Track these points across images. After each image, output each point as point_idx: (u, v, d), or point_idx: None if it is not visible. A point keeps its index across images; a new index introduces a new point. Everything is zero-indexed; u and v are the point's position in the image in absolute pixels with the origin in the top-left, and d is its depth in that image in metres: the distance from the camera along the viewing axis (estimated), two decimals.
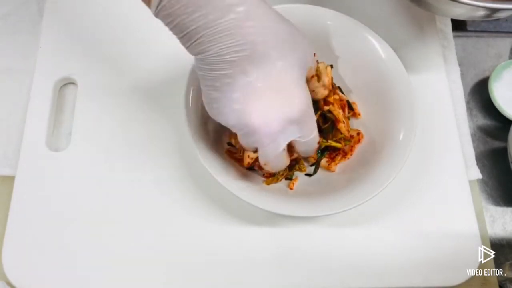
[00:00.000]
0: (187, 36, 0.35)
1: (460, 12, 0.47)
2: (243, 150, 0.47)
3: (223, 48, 0.34)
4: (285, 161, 0.42)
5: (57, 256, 0.46)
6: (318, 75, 0.44)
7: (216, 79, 0.36)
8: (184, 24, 0.34)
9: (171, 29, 0.35)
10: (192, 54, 0.36)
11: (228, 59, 0.34)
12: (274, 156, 0.40)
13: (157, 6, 0.34)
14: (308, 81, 0.43)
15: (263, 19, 0.35)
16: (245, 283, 0.46)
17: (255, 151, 0.41)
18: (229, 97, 0.36)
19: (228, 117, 0.37)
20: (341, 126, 0.48)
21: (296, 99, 0.37)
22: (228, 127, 0.39)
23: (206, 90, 0.37)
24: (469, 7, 0.43)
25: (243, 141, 0.40)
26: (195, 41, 0.34)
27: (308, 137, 0.40)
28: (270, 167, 0.42)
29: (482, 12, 0.45)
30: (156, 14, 0.35)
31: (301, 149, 0.42)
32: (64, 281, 0.45)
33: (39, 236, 0.46)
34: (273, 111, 0.37)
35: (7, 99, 0.53)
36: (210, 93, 0.37)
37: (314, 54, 0.41)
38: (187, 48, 0.36)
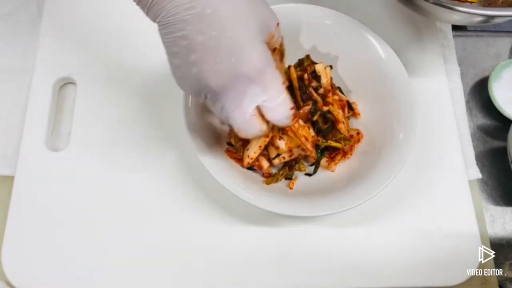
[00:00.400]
0: (142, 1, 0.35)
1: (458, 19, 0.48)
2: (242, 150, 0.47)
3: (175, 6, 0.34)
4: (258, 126, 0.40)
5: (56, 256, 0.46)
6: (281, 52, 0.42)
7: (174, 43, 0.35)
8: None
9: None
10: (153, 21, 0.36)
11: (181, 18, 0.34)
12: (243, 122, 0.39)
13: None
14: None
15: None
16: (245, 283, 0.46)
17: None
18: (187, 61, 0.35)
19: (190, 83, 0.37)
20: (341, 126, 0.48)
21: (252, 57, 0.36)
22: (194, 96, 0.38)
23: (169, 60, 0.37)
24: (466, 14, 0.44)
25: (214, 111, 0.39)
26: (151, 2, 0.34)
27: (275, 101, 0.38)
28: (243, 134, 0.40)
29: (479, 19, 0.45)
30: None
31: (272, 117, 0.39)
32: (63, 281, 0.45)
33: (39, 236, 0.46)
34: (229, 71, 0.35)
35: (7, 99, 0.53)
36: (172, 62, 0.37)
37: (278, 24, 0.40)
38: (147, 14, 0.36)
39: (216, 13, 0.34)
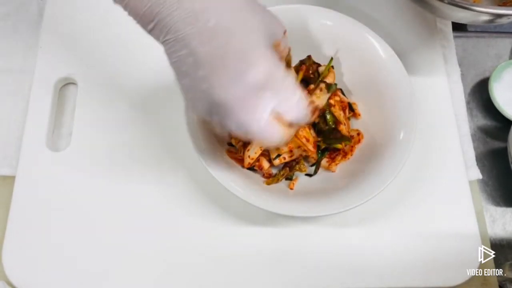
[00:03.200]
0: (144, 17, 0.34)
1: (463, 16, 0.47)
2: (243, 150, 0.47)
3: (176, 22, 0.33)
4: (278, 131, 0.38)
5: (57, 256, 0.46)
6: (287, 62, 0.42)
7: (181, 62, 0.35)
8: (137, 6, 0.34)
9: (130, 14, 0.35)
10: (158, 41, 0.35)
11: (184, 33, 0.33)
12: (259, 130, 0.37)
13: None
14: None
15: None
16: (245, 282, 0.46)
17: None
18: (196, 78, 0.35)
19: (201, 102, 0.36)
20: (342, 128, 0.48)
21: (259, 62, 0.35)
22: (207, 117, 0.37)
23: (179, 82, 0.36)
24: (473, 12, 0.44)
25: (230, 129, 0.37)
26: (152, 20, 0.34)
27: (291, 101, 0.37)
28: (266, 144, 0.39)
29: (485, 17, 0.45)
30: (115, 0, 0.35)
31: (291, 117, 0.38)
32: (64, 281, 0.45)
33: (39, 236, 0.46)
34: (237, 80, 0.34)
35: (7, 99, 0.53)
36: (182, 83, 0.36)
37: (285, 32, 0.39)
38: (150, 32, 0.35)
39: (220, 23, 0.34)
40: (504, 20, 0.47)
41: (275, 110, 0.36)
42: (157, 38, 0.35)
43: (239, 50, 0.34)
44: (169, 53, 0.35)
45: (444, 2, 0.45)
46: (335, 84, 0.49)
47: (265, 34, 0.36)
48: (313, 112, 0.40)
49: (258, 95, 0.35)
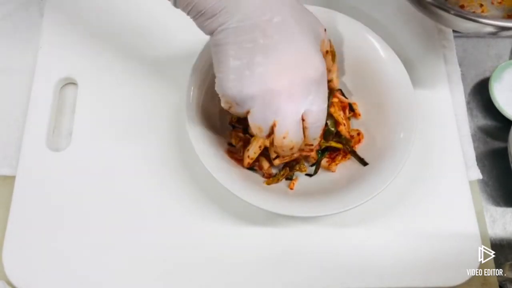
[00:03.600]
0: (208, 11, 0.37)
1: (468, 27, 0.47)
2: (243, 150, 0.47)
3: (248, 13, 0.36)
4: (301, 134, 0.41)
5: (57, 256, 0.46)
6: (332, 53, 0.46)
7: (237, 46, 0.37)
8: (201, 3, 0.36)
9: (189, 12, 0.38)
10: (210, 31, 0.38)
11: (253, 22, 0.37)
12: (294, 123, 0.40)
13: None
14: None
15: None
16: (245, 282, 0.46)
17: (268, 134, 0.41)
18: (251, 62, 0.37)
19: (250, 84, 0.38)
20: (342, 128, 0.48)
21: (315, 60, 0.39)
22: (247, 99, 0.38)
23: (224, 62, 0.38)
24: (479, 24, 0.44)
25: (260, 115, 0.39)
26: (217, 14, 0.37)
27: (321, 107, 0.40)
28: (289, 139, 0.41)
29: (489, 29, 0.45)
30: (175, 4, 0.38)
31: (311, 121, 0.41)
32: (64, 281, 0.45)
33: (39, 236, 0.46)
34: (296, 71, 0.38)
35: (7, 99, 0.53)
36: (229, 63, 0.38)
37: (325, 30, 0.43)
38: (205, 26, 0.38)
39: (285, 21, 0.38)
40: (508, 33, 0.47)
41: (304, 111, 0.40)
42: (218, 24, 0.37)
43: (300, 48, 0.38)
44: (222, 40, 0.38)
45: (450, 13, 0.44)
46: (339, 89, 0.49)
47: (315, 37, 0.41)
48: (321, 134, 0.43)
49: (308, 89, 0.39)
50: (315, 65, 0.39)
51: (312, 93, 0.39)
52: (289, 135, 0.41)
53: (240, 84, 0.38)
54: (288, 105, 0.39)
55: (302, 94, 0.39)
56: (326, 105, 0.41)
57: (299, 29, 0.38)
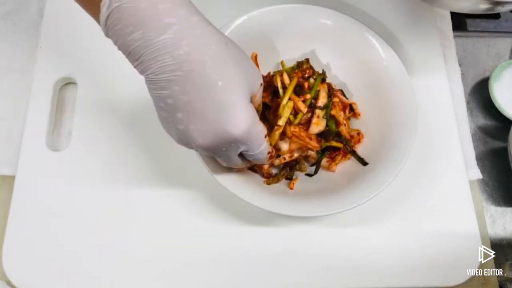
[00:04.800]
0: (130, 55, 0.35)
1: (464, 6, 0.47)
2: None
3: (160, 67, 0.34)
4: (241, 162, 0.42)
5: (57, 256, 0.46)
6: (257, 112, 0.42)
7: (160, 99, 0.36)
8: (126, 44, 0.34)
9: (119, 49, 0.36)
10: (141, 74, 0.36)
11: (166, 78, 0.34)
12: (228, 163, 0.42)
13: (105, 26, 0.34)
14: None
15: (202, 39, 0.35)
16: (245, 282, 0.46)
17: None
18: (174, 118, 0.36)
19: (176, 137, 0.38)
20: (342, 129, 0.48)
21: (239, 120, 0.36)
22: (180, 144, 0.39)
23: (156, 110, 0.38)
24: (472, 1, 0.43)
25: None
26: (137, 59, 0.35)
27: (255, 152, 0.40)
28: (233, 167, 0.43)
29: (484, 6, 0.45)
30: (106, 35, 0.35)
31: (252, 161, 0.42)
32: (63, 281, 0.45)
33: (39, 236, 0.46)
34: (216, 132, 0.36)
35: (8, 99, 0.53)
36: (159, 113, 0.37)
37: (261, 85, 0.40)
38: (135, 67, 0.36)
39: (203, 75, 0.35)
40: (503, 8, 0.46)
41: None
42: (140, 72, 0.36)
43: (220, 105, 0.35)
44: (150, 88, 0.36)
45: None
46: (330, 100, 0.48)
47: (246, 87, 0.37)
48: (271, 157, 0.43)
49: (232, 144, 0.38)
50: (238, 124, 0.36)
51: (239, 146, 0.38)
52: (227, 166, 0.42)
53: (170, 134, 0.39)
54: (215, 155, 0.39)
55: (227, 150, 0.38)
56: (262, 148, 0.40)
57: (223, 82, 0.35)
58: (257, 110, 0.42)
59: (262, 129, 0.39)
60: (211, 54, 0.35)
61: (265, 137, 0.40)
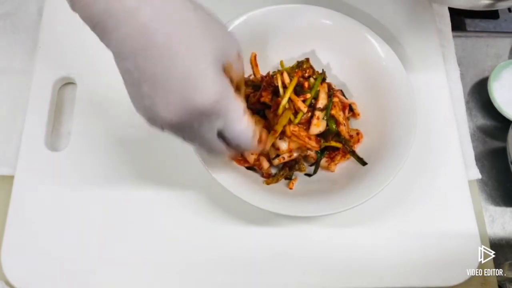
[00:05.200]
0: (96, 28, 0.33)
1: (465, 1, 0.46)
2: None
3: (123, 37, 0.32)
4: (224, 147, 0.39)
5: (56, 256, 0.46)
6: (238, 88, 0.39)
7: (126, 72, 0.34)
8: (90, 16, 0.33)
9: (85, 22, 0.34)
10: (108, 48, 0.34)
11: (129, 50, 0.32)
12: (207, 147, 0.38)
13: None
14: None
15: (165, 7, 0.33)
16: (244, 282, 0.46)
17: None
18: (140, 92, 0.34)
19: (145, 115, 0.35)
20: (342, 129, 0.48)
21: (205, 88, 0.33)
22: (153, 127, 0.36)
23: (125, 87, 0.36)
24: None
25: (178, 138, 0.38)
26: (102, 31, 0.33)
27: (234, 131, 0.37)
28: (213, 156, 0.40)
29: (485, 1, 0.44)
30: (73, 8, 0.34)
31: (233, 142, 0.38)
32: (64, 281, 0.45)
33: (39, 236, 0.46)
34: (182, 104, 0.33)
35: (7, 98, 0.53)
36: (128, 90, 0.35)
37: (239, 54, 0.38)
38: (102, 41, 0.34)
39: (167, 43, 0.32)
40: (504, 5, 0.46)
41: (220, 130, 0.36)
42: (107, 45, 0.34)
43: (185, 73, 0.33)
44: (116, 62, 0.34)
45: None
46: (330, 100, 0.48)
47: (215, 56, 0.35)
48: (260, 141, 0.40)
49: (202, 119, 0.35)
50: (205, 93, 0.33)
51: (211, 121, 0.35)
52: (210, 154, 0.39)
53: (140, 113, 0.36)
54: (189, 136, 0.37)
55: (200, 126, 0.35)
56: (243, 124, 0.37)
57: (188, 49, 0.33)
58: (238, 85, 0.39)
59: (239, 103, 0.36)
60: (177, 20, 0.33)
61: (245, 114, 0.37)
